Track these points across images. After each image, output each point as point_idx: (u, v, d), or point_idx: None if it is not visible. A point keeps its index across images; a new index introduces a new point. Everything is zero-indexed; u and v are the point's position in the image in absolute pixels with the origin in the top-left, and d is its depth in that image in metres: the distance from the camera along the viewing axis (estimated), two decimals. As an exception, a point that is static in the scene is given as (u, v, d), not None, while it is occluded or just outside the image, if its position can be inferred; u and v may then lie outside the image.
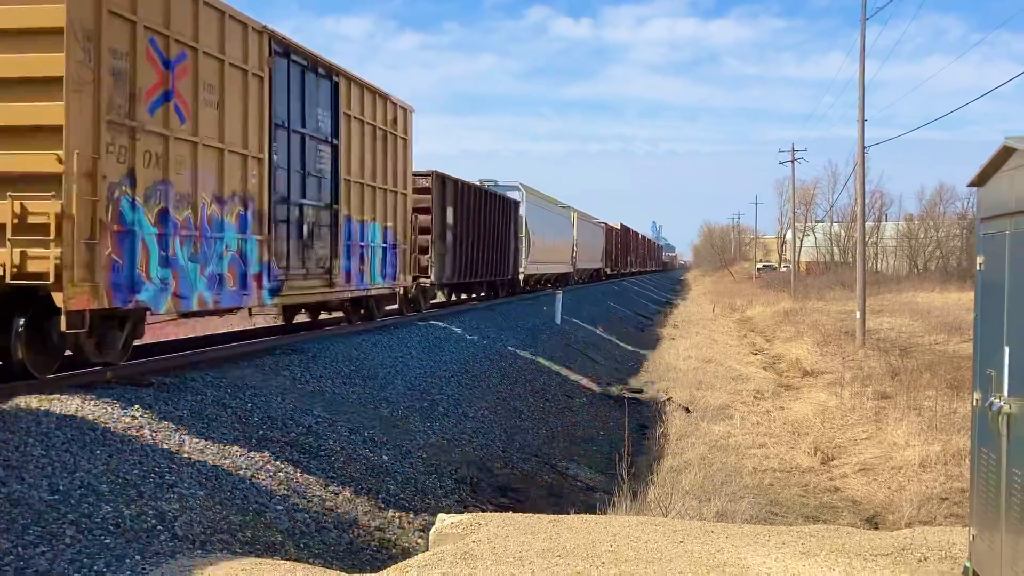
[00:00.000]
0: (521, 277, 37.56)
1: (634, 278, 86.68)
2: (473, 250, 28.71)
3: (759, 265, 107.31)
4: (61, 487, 7.58)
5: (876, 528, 11.48)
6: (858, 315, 31.24)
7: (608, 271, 69.14)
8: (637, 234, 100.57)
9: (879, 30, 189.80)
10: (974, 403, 6.45)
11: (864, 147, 32.92)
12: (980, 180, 6.50)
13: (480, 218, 29.57)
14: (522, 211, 37.05)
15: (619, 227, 76.97)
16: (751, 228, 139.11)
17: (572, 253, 51.90)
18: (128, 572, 6.49)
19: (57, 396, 9.64)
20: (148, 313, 11.49)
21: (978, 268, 6.55)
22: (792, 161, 68.11)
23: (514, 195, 36.55)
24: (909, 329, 35.09)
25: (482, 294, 33.57)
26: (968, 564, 6.39)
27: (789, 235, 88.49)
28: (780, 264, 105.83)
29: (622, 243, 78.62)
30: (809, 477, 14.93)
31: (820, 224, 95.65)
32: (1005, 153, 6.02)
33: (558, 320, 30.97)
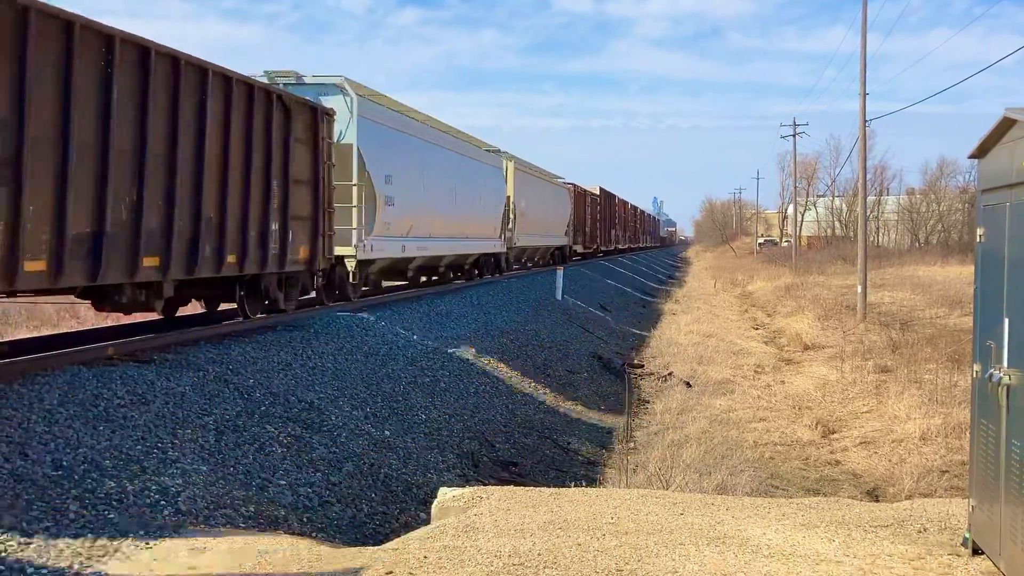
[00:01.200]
0: (350, 269, 18.81)
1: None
2: (121, 202, 10.64)
3: (760, 240, 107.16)
4: (64, 463, 7.61)
5: (876, 500, 11.54)
6: (859, 289, 31.23)
7: (579, 249, 53.27)
8: (626, 204, 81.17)
9: (882, 3, 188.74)
10: (974, 375, 6.46)
11: (866, 120, 32.81)
12: (980, 152, 6.49)
13: (169, 126, 11.55)
14: (348, 134, 18.58)
15: (598, 192, 59.99)
16: (752, 203, 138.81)
17: (504, 224, 33.34)
18: (132, 547, 6.53)
19: (59, 372, 9.67)
20: None
21: (978, 240, 6.54)
22: (794, 135, 67.93)
23: (329, 101, 17.90)
24: (910, 303, 35.09)
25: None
26: (967, 535, 6.42)
27: (790, 210, 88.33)
28: (781, 239, 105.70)
29: (603, 213, 62.33)
30: (810, 450, 14.99)
31: (822, 199, 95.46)
32: (1005, 124, 6.00)
33: (559, 296, 30.97)
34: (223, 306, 15.64)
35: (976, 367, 6.40)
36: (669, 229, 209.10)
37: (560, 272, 32.88)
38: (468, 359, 17.45)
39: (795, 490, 12.53)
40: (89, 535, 6.59)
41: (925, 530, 6.98)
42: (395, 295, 22.86)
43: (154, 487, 7.79)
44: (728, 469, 12.27)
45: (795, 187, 78.88)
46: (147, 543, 6.65)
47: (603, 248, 63.43)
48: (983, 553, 6.21)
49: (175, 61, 11.62)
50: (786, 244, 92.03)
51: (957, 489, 11.75)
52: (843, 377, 20.29)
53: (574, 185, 50.89)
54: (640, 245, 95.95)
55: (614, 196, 70.40)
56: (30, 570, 5.92)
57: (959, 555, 6.36)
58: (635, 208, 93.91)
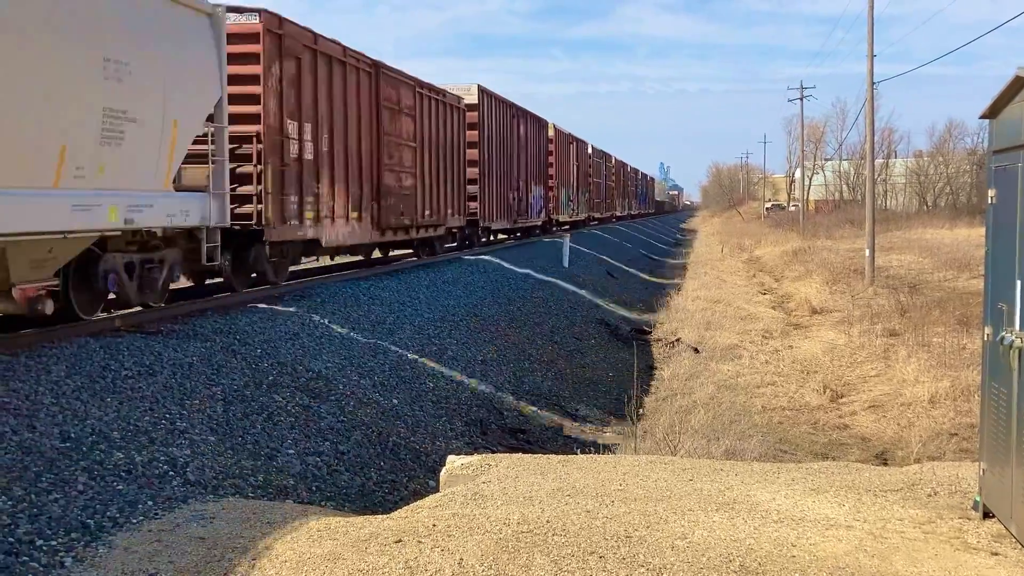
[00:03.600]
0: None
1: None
2: None
3: (768, 204, 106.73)
4: (72, 435, 7.61)
5: (885, 464, 11.52)
6: (867, 253, 31.11)
7: (332, 236, 17.16)
8: (582, 144, 48.51)
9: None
10: (985, 337, 6.41)
11: (873, 82, 32.53)
12: (992, 112, 6.39)
13: None
14: None
15: (474, 99, 27.77)
16: (760, 167, 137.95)
17: None
18: (141, 517, 6.54)
19: (66, 344, 9.66)
20: None
21: (989, 201, 6.47)
22: (800, 99, 67.46)
23: None
24: (918, 266, 34.96)
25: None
26: (978, 498, 6.39)
27: (798, 174, 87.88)
28: (789, 203, 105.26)
29: (489, 152, 29.23)
30: (818, 415, 14.97)
31: (829, 162, 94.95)
32: (1018, 83, 5.91)
33: (566, 264, 30.94)
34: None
35: (987, 330, 6.34)
36: (672, 193, 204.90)
37: (567, 239, 32.81)
38: (476, 327, 17.43)
39: (804, 455, 12.52)
40: (98, 506, 6.59)
41: (935, 494, 6.95)
42: (409, 262, 22.82)
43: (162, 458, 7.80)
44: (736, 434, 12.26)
45: (802, 151, 78.47)
46: (156, 513, 6.65)
47: (509, 227, 32.83)
48: (994, 516, 6.19)
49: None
50: (793, 208, 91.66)
51: (966, 452, 11.73)
52: (851, 341, 20.23)
53: (312, 35, 16.34)
54: (617, 214, 67.67)
55: (542, 124, 37.96)
56: (39, 541, 5.93)
57: (970, 519, 6.34)
58: (604, 155, 59.63)
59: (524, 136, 34.47)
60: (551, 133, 40.16)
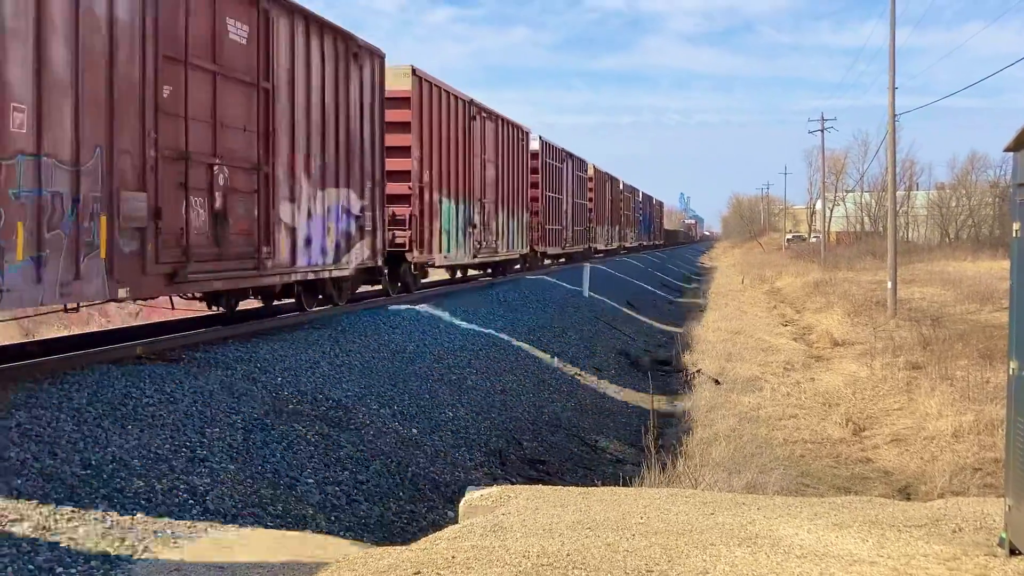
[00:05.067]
0: None
1: None
2: None
3: (788, 236, 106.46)
4: (93, 462, 7.63)
5: (909, 499, 11.40)
6: (889, 285, 30.95)
7: None
8: (503, 122, 27.35)
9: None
10: (1010, 372, 6.34)
11: (895, 114, 32.49)
12: (1017, 144, 6.36)
13: None
14: None
15: None
16: (780, 198, 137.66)
17: None
18: (161, 546, 6.53)
19: (88, 372, 9.71)
20: None
21: (1014, 235, 6.42)
22: (822, 130, 67.44)
23: None
24: (941, 299, 34.73)
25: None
26: (1004, 535, 6.30)
27: (819, 205, 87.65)
28: (810, 234, 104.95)
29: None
30: (840, 448, 14.84)
31: (850, 194, 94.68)
32: (1043, 116, 5.88)
33: (586, 294, 30.93)
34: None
35: (1013, 364, 6.28)
36: (689, 222, 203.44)
37: (587, 268, 32.82)
38: (494, 357, 17.41)
39: (826, 488, 12.41)
40: (118, 534, 6.60)
41: (960, 530, 6.86)
42: (433, 289, 22.88)
43: (182, 486, 7.81)
44: (758, 467, 12.16)
45: (823, 182, 78.35)
46: (175, 542, 6.65)
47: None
48: (1021, 554, 6.09)
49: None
50: (814, 240, 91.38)
51: (991, 487, 11.59)
52: (873, 374, 20.09)
53: None
54: (599, 247, 49.61)
55: (371, 55, 16.46)
56: (59, 569, 5.94)
57: (995, 555, 6.25)
58: (570, 159, 40.10)
59: (291, 66, 13.71)
60: (409, 85, 19.57)
